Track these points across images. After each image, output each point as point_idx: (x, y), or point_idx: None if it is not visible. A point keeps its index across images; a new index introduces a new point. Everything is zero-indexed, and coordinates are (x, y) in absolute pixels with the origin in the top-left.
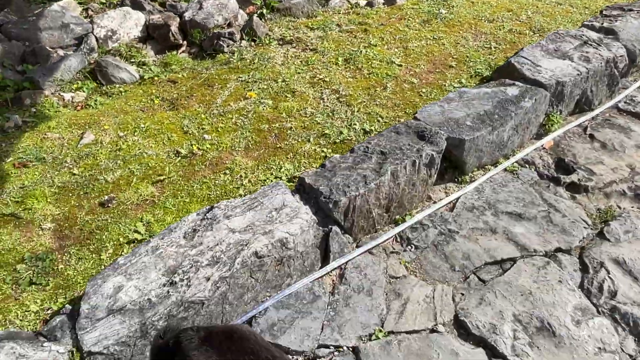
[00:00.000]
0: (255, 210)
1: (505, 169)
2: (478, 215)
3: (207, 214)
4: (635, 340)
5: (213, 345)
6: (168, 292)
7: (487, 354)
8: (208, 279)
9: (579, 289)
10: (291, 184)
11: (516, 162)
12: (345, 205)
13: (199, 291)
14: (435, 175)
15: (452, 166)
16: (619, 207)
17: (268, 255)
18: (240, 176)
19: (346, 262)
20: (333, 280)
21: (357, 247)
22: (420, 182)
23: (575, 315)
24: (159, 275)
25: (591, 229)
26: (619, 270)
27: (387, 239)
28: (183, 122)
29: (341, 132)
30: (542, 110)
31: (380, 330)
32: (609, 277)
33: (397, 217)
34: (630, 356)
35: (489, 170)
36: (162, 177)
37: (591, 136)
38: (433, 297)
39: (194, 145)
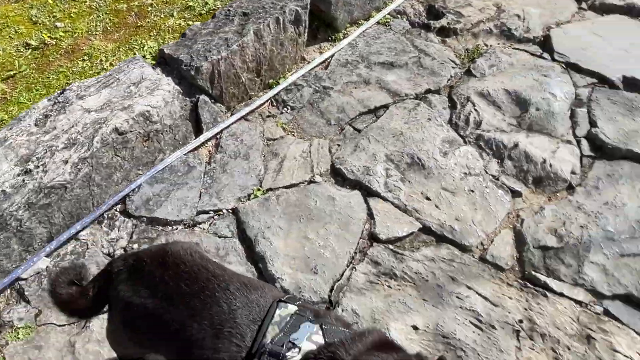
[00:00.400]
0: (112, 87)
1: (378, 22)
2: (352, 70)
3: (58, 98)
4: (497, 162)
5: (144, 274)
6: (24, 180)
7: (362, 194)
8: (66, 162)
9: (448, 124)
10: (155, 62)
11: (388, 13)
12: (208, 70)
13: (58, 175)
14: (306, 35)
15: (324, 24)
16: (486, 45)
17: (131, 131)
18: (101, 60)
19: (221, 131)
20: (209, 151)
21: (232, 115)
22: (289, 41)
23: (443, 148)
24: (11, 165)
25: (459, 68)
26: (484, 102)
27: (262, 104)
28: (31, 13)
29: (206, 3)
30: None
31: (259, 189)
32: (474, 109)
33: (271, 81)
34: (493, 176)
35: (362, 24)
36: (12, 73)
37: None
38: (310, 152)
39: (45, 35)
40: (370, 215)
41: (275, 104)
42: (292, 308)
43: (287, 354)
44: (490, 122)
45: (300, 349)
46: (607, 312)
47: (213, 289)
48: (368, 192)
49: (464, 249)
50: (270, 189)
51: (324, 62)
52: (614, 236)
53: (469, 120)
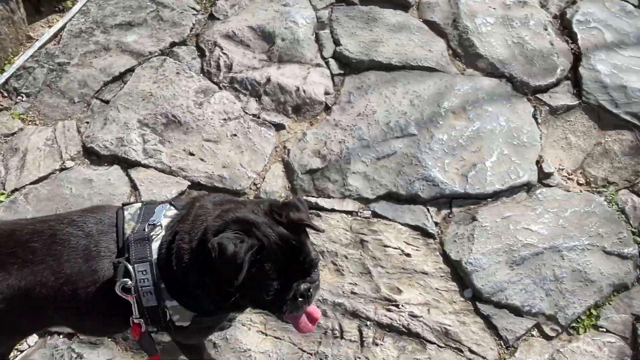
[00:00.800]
0: None
1: None
2: (88, 38)
3: None
4: (255, 100)
5: None
6: None
7: (122, 168)
8: None
9: (200, 74)
10: None
11: None
12: None
13: None
14: (23, 10)
15: None
16: None
17: None
18: None
19: None
20: None
21: None
22: (2, 21)
23: (197, 99)
24: None
25: (202, 14)
26: (231, 44)
27: None
28: None
29: None
30: None
31: (2, 194)
32: (223, 53)
33: None
34: (254, 115)
35: None
36: None
37: None
38: (55, 138)
39: None
40: (134, 186)
41: (6, 95)
42: (137, 205)
43: (151, 234)
44: (241, 62)
45: (161, 225)
46: (375, 214)
47: (60, 229)
48: (128, 164)
49: (237, 193)
50: (16, 189)
51: (55, 36)
52: (369, 143)
53: (219, 65)
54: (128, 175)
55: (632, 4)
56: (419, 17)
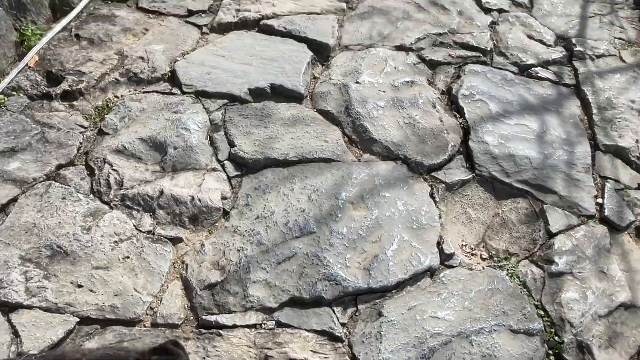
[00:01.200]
0: None
1: None
2: None
3: None
4: (150, 215)
5: None
6: None
7: (2, 313)
8: None
9: (90, 195)
10: None
11: (1, 93)
12: None
13: None
14: None
15: None
16: (117, 97)
17: None
18: None
19: None
20: None
21: None
22: None
23: (85, 224)
24: None
25: (90, 130)
26: (122, 158)
27: None
28: None
29: None
30: (3, 28)
31: None
32: (113, 169)
33: None
34: (149, 232)
35: None
36: None
37: (77, 36)
38: None
39: None
40: (15, 333)
41: None
42: None
43: None
44: (133, 177)
45: None
46: (279, 324)
47: None
48: (9, 307)
49: (132, 322)
50: None
51: None
52: (268, 248)
53: (110, 182)
54: (9, 320)
55: (512, 72)
56: (312, 108)
